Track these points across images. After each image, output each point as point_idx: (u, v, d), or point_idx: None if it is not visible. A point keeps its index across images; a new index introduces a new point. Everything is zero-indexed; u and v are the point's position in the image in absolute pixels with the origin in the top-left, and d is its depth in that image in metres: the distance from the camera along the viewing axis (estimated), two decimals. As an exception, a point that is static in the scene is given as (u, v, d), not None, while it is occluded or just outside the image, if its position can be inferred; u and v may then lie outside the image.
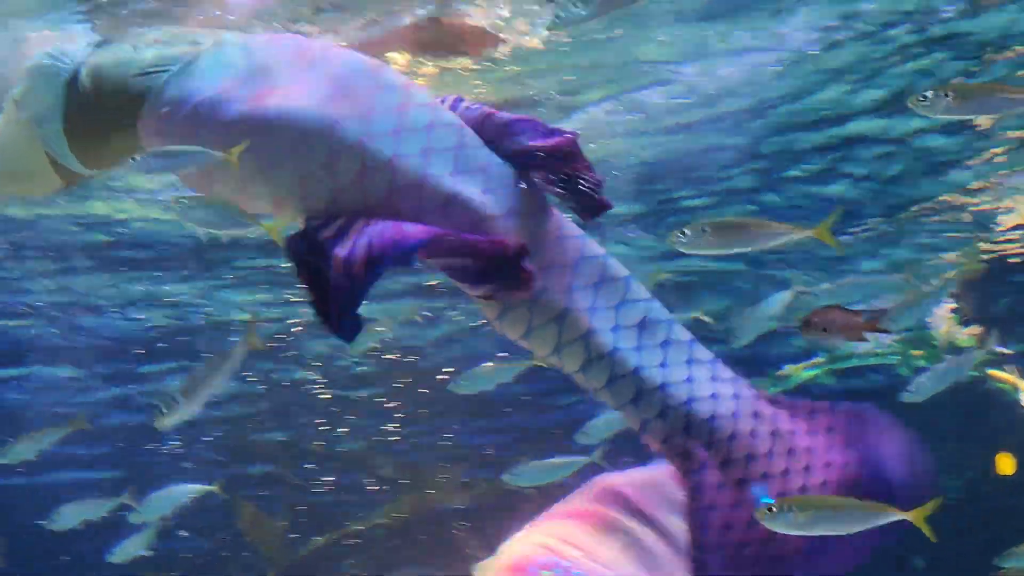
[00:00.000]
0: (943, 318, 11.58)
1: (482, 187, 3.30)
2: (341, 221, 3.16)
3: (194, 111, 3.39)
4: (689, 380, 3.48)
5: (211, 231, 3.97)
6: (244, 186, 3.39)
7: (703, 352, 3.54)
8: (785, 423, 3.57)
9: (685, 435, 3.46)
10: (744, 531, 3.45)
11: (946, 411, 8.03)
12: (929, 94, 3.55)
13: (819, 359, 11.91)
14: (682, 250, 4.03)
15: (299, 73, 3.37)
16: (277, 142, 3.25)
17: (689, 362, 3.51)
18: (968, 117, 3.44)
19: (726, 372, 3.57)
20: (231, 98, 3.35)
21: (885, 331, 3.82)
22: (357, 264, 3.04)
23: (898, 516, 3.44)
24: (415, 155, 3.25)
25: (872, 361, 11.91)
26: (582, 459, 7.83)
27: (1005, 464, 11.36)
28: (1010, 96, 3.55)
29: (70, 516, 8.73)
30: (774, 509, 3.32)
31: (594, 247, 3.47)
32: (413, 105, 3.33)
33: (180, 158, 3.64)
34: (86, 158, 3.79)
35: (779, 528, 3.36)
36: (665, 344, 3.48)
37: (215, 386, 5.13)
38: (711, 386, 3.51)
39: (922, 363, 11.11)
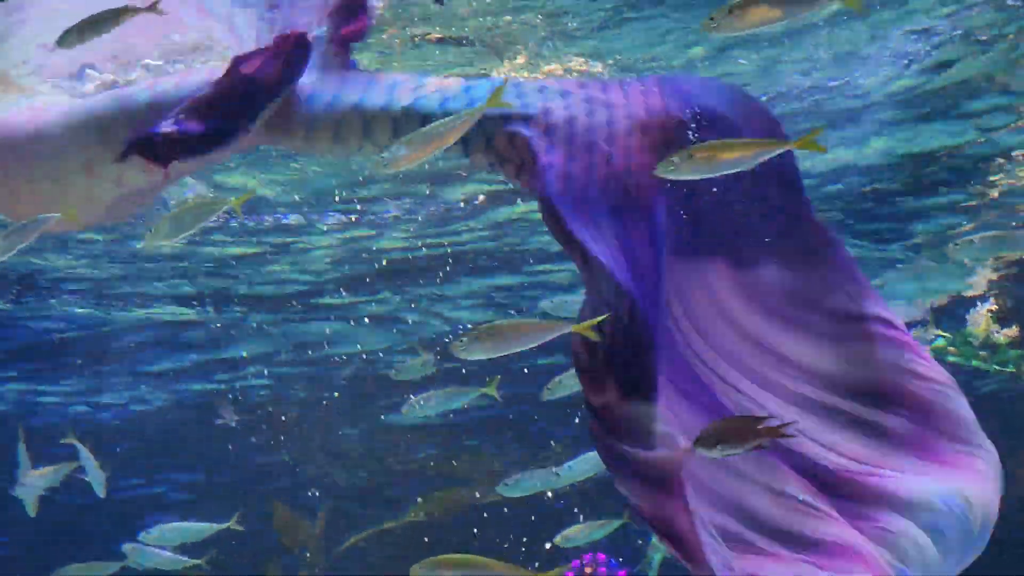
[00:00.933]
0: (981, 316, 11.01)
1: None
2: None
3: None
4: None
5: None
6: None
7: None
8: (593, 89, 3.91)
9: (503, 124, 3.81)
10: (585, 178, 3.69)
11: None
12: (676, 158, 3.51)
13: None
14: (460, 356, 3.73)
15: None
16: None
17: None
18: (713, 175, 3.23)
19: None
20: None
21: (791, 436, 3.56)
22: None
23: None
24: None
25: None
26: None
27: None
28: (741, 153, 3.40)
29: None
30: None
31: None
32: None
33: (29, 227, 3.91)
34: None
35: None
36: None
37: None
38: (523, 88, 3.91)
39: (955, 360, 10.55)
